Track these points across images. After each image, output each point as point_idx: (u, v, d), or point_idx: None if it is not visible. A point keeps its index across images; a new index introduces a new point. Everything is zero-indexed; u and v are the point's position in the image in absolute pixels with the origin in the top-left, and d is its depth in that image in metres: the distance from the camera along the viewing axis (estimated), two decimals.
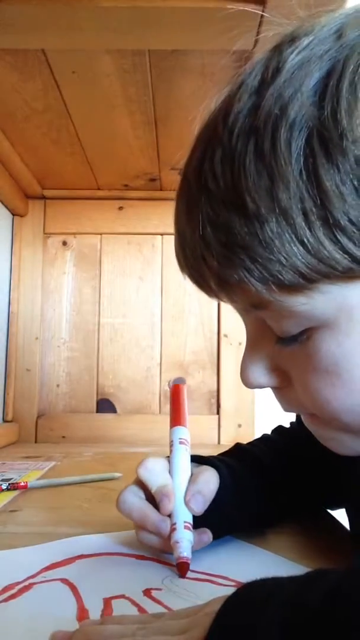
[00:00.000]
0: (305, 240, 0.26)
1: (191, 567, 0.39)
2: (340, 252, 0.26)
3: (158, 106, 0.83)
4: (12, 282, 1.18)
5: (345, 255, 0.26)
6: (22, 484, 0.66)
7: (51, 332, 1.20)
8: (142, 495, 0.43)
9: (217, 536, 0.44)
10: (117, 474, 0.72)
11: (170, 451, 0.46)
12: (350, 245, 0.26)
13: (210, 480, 0.43)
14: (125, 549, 0.44)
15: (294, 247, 0.27)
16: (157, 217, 1.20)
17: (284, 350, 0.32)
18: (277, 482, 0.48)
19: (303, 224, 0.26)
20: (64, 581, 0.37)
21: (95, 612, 0.32)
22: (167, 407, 1.16)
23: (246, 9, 0.51)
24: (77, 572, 0.39)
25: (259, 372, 0.34)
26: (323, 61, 0.27)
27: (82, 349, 1.19)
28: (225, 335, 1.18)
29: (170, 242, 1.12)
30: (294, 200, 0.26)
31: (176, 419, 0.49)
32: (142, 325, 1.20)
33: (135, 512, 0.42)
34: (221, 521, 0.44)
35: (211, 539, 0.42)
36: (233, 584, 0.37)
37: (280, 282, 0.28)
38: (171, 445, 0.47)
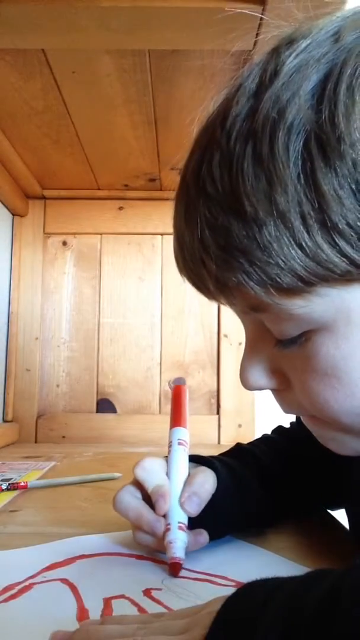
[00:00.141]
0: (303, 243, 0.26)
1: (191, 567, 0.39)
2: (339, 256, 0.26)
3: (158, 106, 0.83)
4: (12, 282, 1.18)
5: (344, 259, 0.26)
6: (22, 484, 0.66)
7: (51, 332, 1.20)
8: (139, 495, 0.43)
9: (217, 536, 0.44)
10: (117, 474, 0.73)
11: (169, 452, 0.46)
12: (348, 249, 0.26)
13: (206, 481, 0.43)
14: (126, 549, 0.44)
15: (292, 251, 0.27)
16: (157, 217, 1.20)
17: (283, 353, 0.32)
18: (277, 482, 0.48)
19: (301, 227, 0.26)
20: (64, 581, 0.37)
21: (95, 612, 0.32)
22: (167, 407, 1.16)
23: (245, 11, 0.51)
24: (77, 572, 0.39)
25: (258, 374, 0.34)
26: (321, 64, 0.27)
27: (82, 349, 1.19)
28: (225, 335, 1.18)
29: (170, 242, 1.12)
30: (292, 203, 0.26)
31: (176, 419, 0.49)
32: (142, 325, 1.20)
33: (131, 511, 0.42)
34: (221, 521, 0.44)
35: (207, 541, 0.42)
36: (233, 584, 0.37)
37: (278, 285, 0.28)
38: (170, 446, 0.47)
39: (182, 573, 0.39)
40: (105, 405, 1.18)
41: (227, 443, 1.11)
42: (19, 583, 0.37)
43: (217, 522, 0.44)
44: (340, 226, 0.26)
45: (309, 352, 0.30)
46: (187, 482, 0.43)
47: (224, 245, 0.28)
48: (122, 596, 0.35)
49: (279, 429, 0.58)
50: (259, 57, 0.29)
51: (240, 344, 1.17)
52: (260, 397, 1.16)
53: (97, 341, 1.19)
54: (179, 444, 0.46)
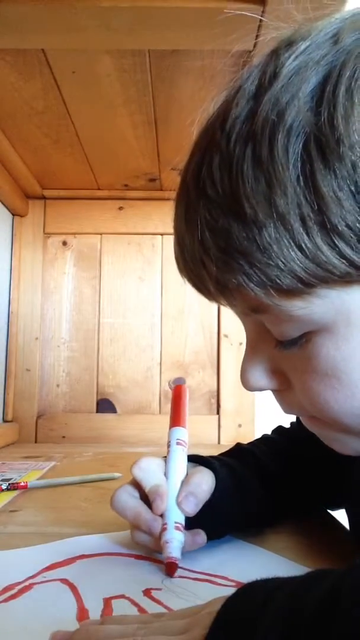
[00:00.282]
0: (303, 245, 0.26)
1: (191, 567, 0.40)
2: (338, 257, 0.26)
3: (158, 106, 0.83)
4: (12, 282, 1.18)
5: (343, 260, 0.27)
6: (22, 484, 0.66)
7: (51, 332, 1.20)
8: (137, 494, 0.44)
9: (216, 536, 0.44)
10: (117, 474, 0.73)
11: (168, 451, 0.46)
12: (347, 250, 0.26)
13: (203, 481, 0.43)
14: (126, 549, 0.44)
15: (292, 252, 0.27)
16: (157, 217, 1.20)
17: (283, 353, 0.32)
18: (277, 482, 0.49)
19: (301, 229, 0.26)
20: (64, 581, 0.37)
21: (95, 612, 0.33)
22: (167, 407, 1.16)
23: (245, 12, 0.51)
24: (77, 572, 0.39)
25: (259, 375, 0.34)
26: (320, 66, 0.27)
27: (82, 349, 1.19)
28: (225, 336, 1.18)
29: (170, 242, 1.12)
30: (292, 205, 0.26)
31: (176, 419, 0.49)
32: (142, 325, 1.20)
33: (128, 510, 0.42)
34: (220, 521, 0.44)
35: (205, 541, 0.42)
36: (233, 584, 0.37)
37: (278, 287, 0.28)
38: (169, 446, 0.47)
39: (182, 573, 0.39)
40: (105, 405, 1.18)
41: (227, 443, 1.11)
42: (19, 583, 0.37)
43: (216, 522, 0.44)
44: (339, 228, 0.26)
45: (309, 353, 0.30)
46: (185, 482, 0.43)
47: (224, 247, 0.29)
48: (122, 596, 0.35)
49: (279, 429, 0.58)
50: (259, 58, 0.29)
51: (240, 344, 1.18)
52: (260, 397, 1.16)
53: (97, 341, 1.20)
54: (178, 443, 0.47)
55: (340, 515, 0.50)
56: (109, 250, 1.22)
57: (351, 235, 0.26)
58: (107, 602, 0.34)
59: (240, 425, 1.16)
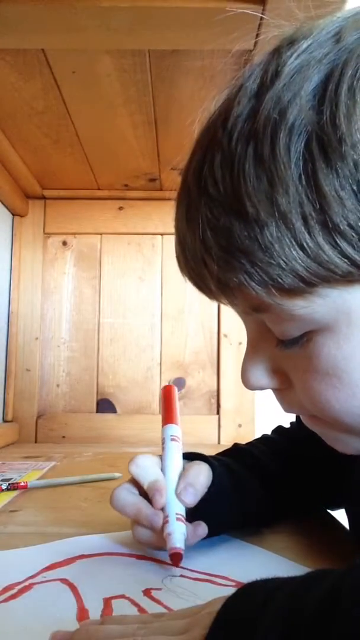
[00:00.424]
0: (304, 244, 0.26)
1: (191, 567, 0.39)
2: (340, 256, 0.26)
3: (158, 106, 0.83)
4: (12, 282, 1.18)
5: (345, 259, 0.26)
6: (22, 484, 0.66)
7: (51, 332, 1.20)
8: (136, 491, 0.44)
9: (214, 533, 0.44)
10: (117, 474, 0.73)
11: (162, 448, 0.47)
12: (349, 250, 0.26)
13: (200, 473, 0.43)
14: (125, 549, 0.44)
15: (293, 251, 0.27)
16: (157, 217, 1.20)
17: (284, 353, 0.32)
18: (275, 482, 0.49)
19: (302, 228, 0.26)
20: (64, 581, 0.37)
21: (95, 612, 0.33)
22: None
23: (246, 11, 0.51)
24: (77, 572, 0.39)
25: (260, 374, 0.34)
26: (322, 65, 0.27)
27: (82, 349, 1.19)
28: (225, 335, 1.18)
29: (170, 242, 1.12)
30: (294, 204, 0.26)
31: (168, 417, 0.50)
32: (142, 325, 1.20)
33: (128, 507, 0.42)
34: (218, 519, 0.44)
35: (207, 531, 0.42)
36: (233, 584, 0.37)
37: (280, 286, 0.28)
38: (163, 443, 0.47)
39: (182, 572, 0.39)
40: (105, 405, 1.18)
41: (227, 443, 1.11)
42: (19, 583, 0.37)
43: (216, 519, 0.44)
44: (341, 227, 0.26)
45: (310, 353, 0.30)
46: (182, 475, 0.43)
47: (226, 245, 0.28)
48: (122, 596, 0.35)
49: (279, 429, 0.58)
50: (260, 57, 0.29)
51: (240, 343, 1.18)
52: (260, 397, 1.16)
53: (97, 341, 1.20)
54: (172, 439, 0.47)
55: (340, 515, 0.50)
56: (109, 250, 1.22)
57: (353, 234, 0.26)
58: (107, 602, 0.34)
59: (240, 425, 1.16)
